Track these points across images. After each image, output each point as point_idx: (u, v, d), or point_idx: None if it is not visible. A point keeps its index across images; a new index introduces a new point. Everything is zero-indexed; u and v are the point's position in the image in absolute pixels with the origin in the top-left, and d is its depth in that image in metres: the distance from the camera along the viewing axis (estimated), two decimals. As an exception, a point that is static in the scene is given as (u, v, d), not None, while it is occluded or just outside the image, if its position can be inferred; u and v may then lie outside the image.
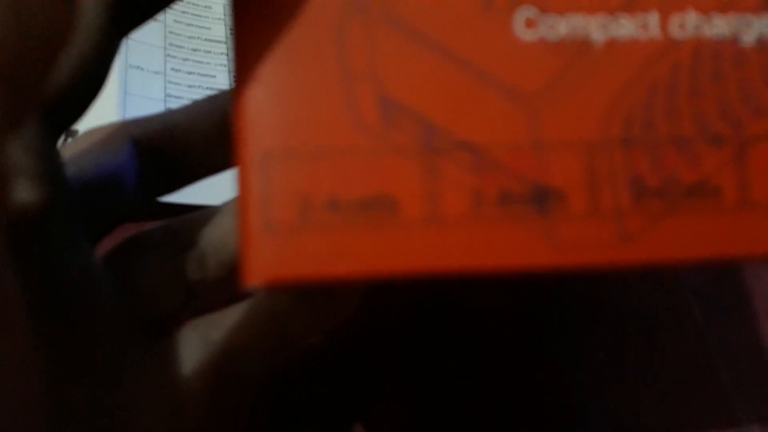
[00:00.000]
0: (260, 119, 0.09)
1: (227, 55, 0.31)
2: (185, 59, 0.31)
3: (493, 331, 0.22)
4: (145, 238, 0.15)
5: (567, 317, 0.22)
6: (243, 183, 0.09)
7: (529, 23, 0.10)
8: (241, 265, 0.09)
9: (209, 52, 0.32)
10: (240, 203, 0.09)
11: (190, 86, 0.31)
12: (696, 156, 0.10)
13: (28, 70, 0.08)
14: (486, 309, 0.22)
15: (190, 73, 0.31)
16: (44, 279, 0.12)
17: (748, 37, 0.10)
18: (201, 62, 0.31)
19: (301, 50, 0.09)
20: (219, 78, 0.31)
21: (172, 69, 0.31)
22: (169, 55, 0.31)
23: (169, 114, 0.16)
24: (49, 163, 0.13)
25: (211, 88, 0.31)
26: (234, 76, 0.09)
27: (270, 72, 0.09)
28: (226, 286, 0.15)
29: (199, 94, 0.30)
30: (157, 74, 0.30)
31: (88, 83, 0.13)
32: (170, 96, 0.30)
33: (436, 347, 0.21)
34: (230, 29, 0.10)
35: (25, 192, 0.12)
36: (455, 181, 0.10)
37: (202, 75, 0.31)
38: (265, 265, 0.09)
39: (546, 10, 0.10)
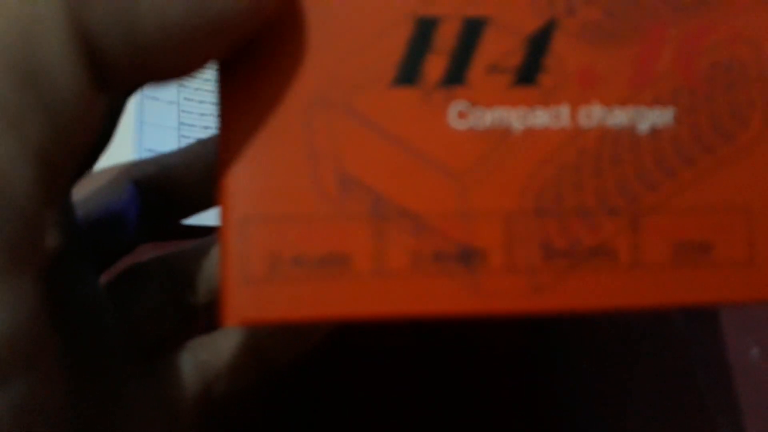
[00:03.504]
0: (239, 190, 0.12)
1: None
2: (197, 89, 0.33)
3: (484, 342, 0.23)
4: (142, 268, 0.17)
5: (555, 328, 0.23)
6: (224, 241, 0.12)
7: (461, 114, 0.12)
8: (221, 308, 0.12)
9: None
10: (221, 258, 0.12)
11: (202, 114, 0.32)
12: (596, 224, 0.12)
13: (64, 157, 0.10)
14: (476, 321, 0.23)
15: (201, 101, 0.33)
16: (56, 309, 0.14)
17: (643, 126, 0.12)
18: (212, 91, 0.33)
19: (275, 134, 0.12)
20: (229, 106, 0.33)
21: (185, 98, 0.32)
22: (181, 85, 0.33)
23: (165, 157, 0.18)
24: (65, 211, 0.15)
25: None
26: (218, 157, 0.12)
27: (248, 152, 0.12)
28: (215, 310, 0.17)
29: (210, 122, 0.32)
30: (171, 104, 0.32)
31: (100, 141, 0.15)
32: (183, 123, 0.32)
33: (425, 355, 0.22)
34: (216, 118, 0.12)
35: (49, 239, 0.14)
36: (398, 241, 0.12)
37: (213, 104, 0.33)
38: (241, 310, 0.11)
39: (475, 104, 0.12)
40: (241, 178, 0.12)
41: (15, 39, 0.09)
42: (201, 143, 0.18)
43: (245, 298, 0.11)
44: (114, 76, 0.10)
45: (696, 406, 0.22)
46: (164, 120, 0.32)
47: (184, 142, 0.32)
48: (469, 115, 0.12)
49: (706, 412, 0.22)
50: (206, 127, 0.32)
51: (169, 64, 0.10)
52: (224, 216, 0.12)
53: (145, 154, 0.30)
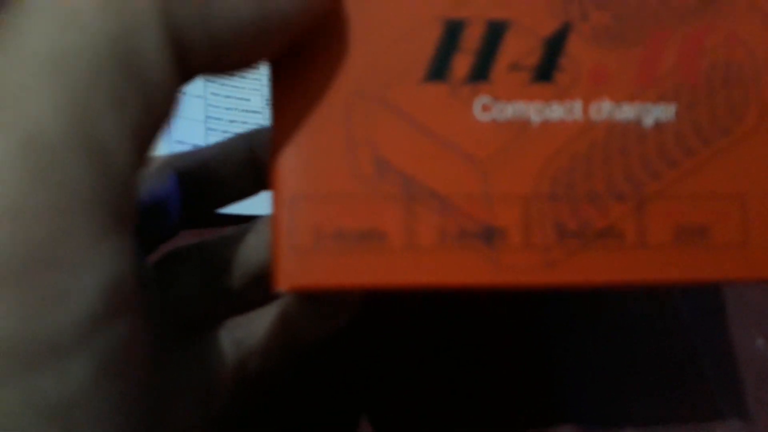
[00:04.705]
0: (289, 173, 0.13)
1: (259, 80, 0.34)
2: (223, 84, 0.34)
3: (494, 328, 0.24)
4: (182, 252, 0.18)
5: (563, 318, 0.24)
6: (275, 217, 0.13)
7: (485, 108, 0.13)
8: (272, 275, 0.13)
9: (244, 77, 0.34)
10: (273, 231, 0.13)
11: (227, 108, 0.33)
12: (605, 208, 0.13)
13: (150, 136, 0.11)
14: (487, 309, 0.24)
15: (227, 96, 0.34)
16: None
17: (648, 120, 0.14)
18: (237, 87, 0.34)
19: (319, 124, 0.13)
20: (253, 101, 0.34)
21: (212, 93, 0.34)
22: (208, 80, 0.34)
23: (205, 150, 0.19)
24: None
25: (246, 110, 0.34)
26: (271, 144, 0.13)
27: (296, 139, 0.13)
28: (249, 293, 0.18)
29: (236, 115, 0.34)
30: (198, 98, 0.33)
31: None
32: (210, 117, 0.33)
33: (440, 344, 0.23)
34: (269, 111, 0.13)
35: None
36: (427, 220, 0.13)
37: (238, 98, 0.34)
38: (290, 277, 0.13)
39: (498, 98, 0.13)
40: (289, 162, 0.13)
41: (120, 32, 0.10)
42: (240, 137, 0.19)
43: (293, 266, 0.13)
44: (192, 66, 0.11)
45: (702, 395, 0.23)
46: (192, 113, 0.33)
47: (211, 135, 0.33)
48: (492, 108, 0.13)
49: (712, 400, 0.23)
50: (231, 121, 0.33)
51: (238, 58, 0.12)
52: (275, 195, 0.13)
53: (174, 145, 0.31)
